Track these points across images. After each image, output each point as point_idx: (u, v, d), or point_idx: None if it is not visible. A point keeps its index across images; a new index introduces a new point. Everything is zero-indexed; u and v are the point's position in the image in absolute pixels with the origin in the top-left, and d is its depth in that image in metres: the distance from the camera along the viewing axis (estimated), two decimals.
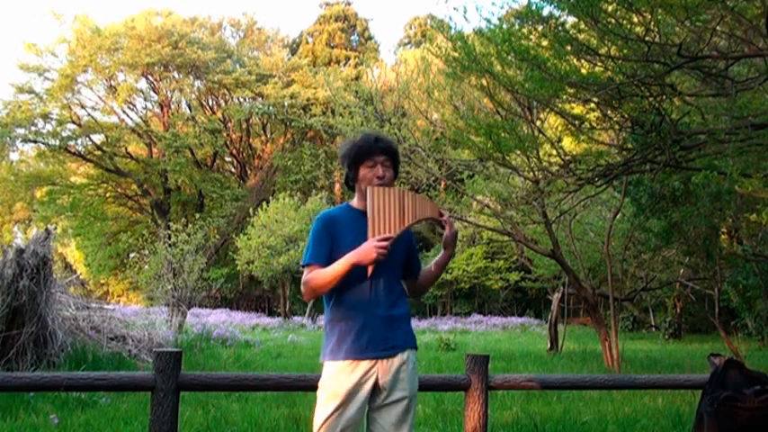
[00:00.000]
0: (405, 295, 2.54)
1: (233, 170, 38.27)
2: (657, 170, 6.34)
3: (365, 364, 2.33)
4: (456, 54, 6.74)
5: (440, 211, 2.47)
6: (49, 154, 31.26)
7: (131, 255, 32.29)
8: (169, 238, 15.23)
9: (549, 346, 13.11)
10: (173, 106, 33.89)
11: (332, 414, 2.30)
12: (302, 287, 2.40)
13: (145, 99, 33.74)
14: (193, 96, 34.64)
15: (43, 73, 30.08)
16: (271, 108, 32.46)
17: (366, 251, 2.30)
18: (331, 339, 2.40)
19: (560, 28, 5.31)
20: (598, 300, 11.21)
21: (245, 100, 33.97)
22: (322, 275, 2.35)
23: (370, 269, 2.33)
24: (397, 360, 2.38)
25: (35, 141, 30.02)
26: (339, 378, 2.33)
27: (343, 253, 2.34)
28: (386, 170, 2.45)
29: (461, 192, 13.07)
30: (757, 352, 12.95)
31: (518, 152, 7.36)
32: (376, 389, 2.35)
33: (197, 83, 33.55)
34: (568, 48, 5.25)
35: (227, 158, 37.77)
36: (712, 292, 10.22)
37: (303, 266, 2.44)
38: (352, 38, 43.89)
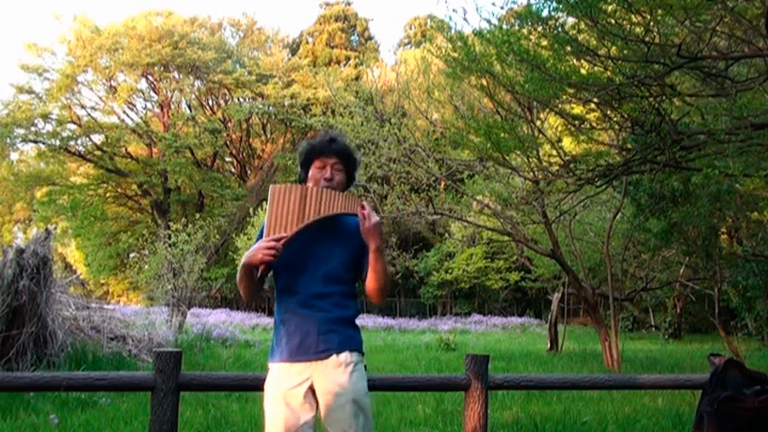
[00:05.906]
0: (350, 297, 2.36)
1: (233, 170, 38.28)
2: (657, 170, 6.34)
3: (299, 367, 2.25)
4: (456, 54, 6.75)
5: (361, 205, 2.29)
6: (49, 154, 31.28)
7: (131, 255, 32.21)
8: (169, 237, 15.19)
9: (548, 346, 13.11)
10: (173, 106, 33.89)
11: (272, 418, 2.23)
12: None
13: (145, 99, 33.78)
14: (193, 96, 34.64)
15: (43, 73, 30.09)
16: (271, 108, 32.46)
17: (252, 252, 2.20)
18: (274, 341, 2.36)
19: (560, 29, 5.31)
20: (598, 300, 11.22)
21: (245, 100, 33.97)
22: (238, 279, 2.31)
23: (260, 269, 2.23)
24: (331, 363, 2.25)
25: (35, 141, 30.03)
26: (275, 381, 2.28)
27: (287, 255, 2.26)
28: (335, 173, 2.37)
29: (461, 192, 13.08)
30: (757, 352, 12.94)
31: (518, 152, 7.37)
32: (316, 394, 2.27)
33: (197, 83, 33.54)
34: (568, 48, 5.26)
35: (227, 158, 37.79)
36: (712, 292, 10.22)
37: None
38: (352, 38, 43.91)
